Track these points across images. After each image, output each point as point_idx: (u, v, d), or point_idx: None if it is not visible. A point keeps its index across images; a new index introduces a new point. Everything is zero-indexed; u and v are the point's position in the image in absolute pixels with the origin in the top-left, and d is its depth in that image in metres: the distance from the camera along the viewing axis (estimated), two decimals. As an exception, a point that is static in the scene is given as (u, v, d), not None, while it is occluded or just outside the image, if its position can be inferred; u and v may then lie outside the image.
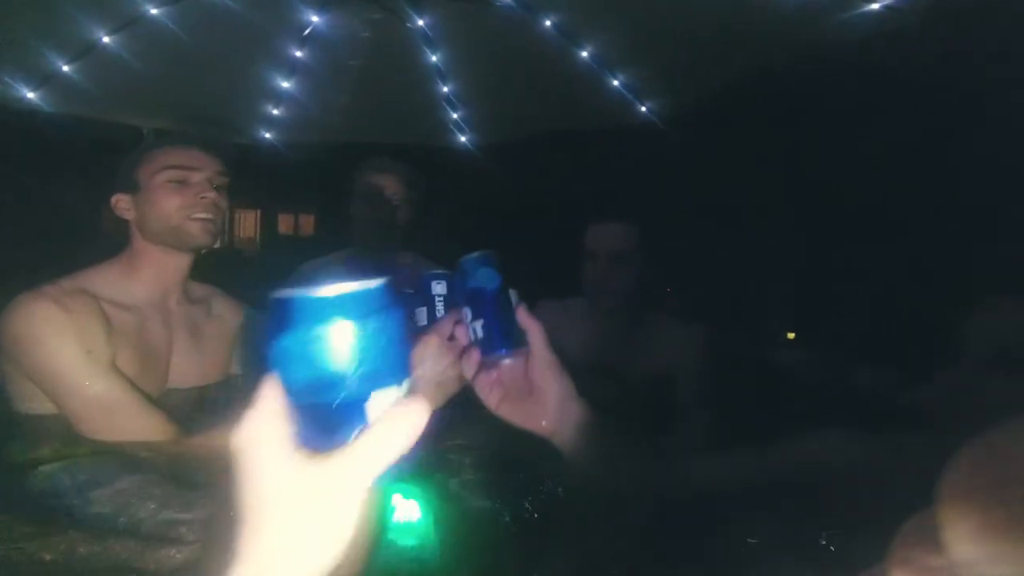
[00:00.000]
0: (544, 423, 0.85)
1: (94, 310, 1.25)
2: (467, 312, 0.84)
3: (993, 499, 0.36)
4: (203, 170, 1.38)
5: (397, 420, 0.44)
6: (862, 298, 2.72)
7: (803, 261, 3.15)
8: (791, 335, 2.83)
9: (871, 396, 1.81)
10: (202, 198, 1.36)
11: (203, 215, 1.36)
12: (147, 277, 1.39)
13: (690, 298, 2.75)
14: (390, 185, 1.99)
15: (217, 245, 1.47)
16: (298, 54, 2.71)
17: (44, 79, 2.63)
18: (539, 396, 0.85)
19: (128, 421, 1.19)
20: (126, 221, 1.39)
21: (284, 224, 6.80)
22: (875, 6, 1.84)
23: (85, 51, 2.47)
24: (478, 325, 0.83)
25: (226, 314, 1.56)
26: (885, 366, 1.91)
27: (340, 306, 0.43)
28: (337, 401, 0.43)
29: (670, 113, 2.91)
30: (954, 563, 0.38)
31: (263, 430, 0.43)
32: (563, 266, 1.88)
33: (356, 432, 0.43)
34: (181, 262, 1.42)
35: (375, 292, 0.45)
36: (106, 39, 2.39)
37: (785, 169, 3.07)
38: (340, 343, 0.43)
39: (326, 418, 0.43)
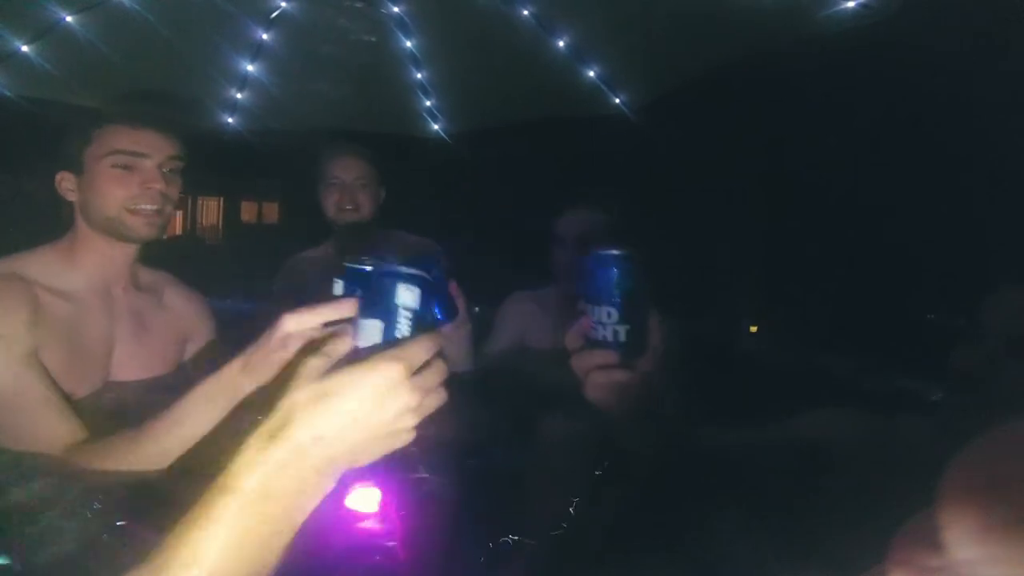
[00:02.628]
0: (631, 413, 0.87)
1: (21, 295, 1.15)
2: (606, 313, 0.82)
3: (993, 499, 0.36)
4: (153, 156, 1.26)
5: None
6: (829, 290, 2.78)
7: (771, 252, 3.20)
8: (753, 328, 2.88)
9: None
10: (147, 188, 1.25)
11: (146, 206, 1.25)
12: (89, 264, 1.29)
13: (656, 288, 2.76)
14: (352, 168, 1.98)
15: (179, 233, 1.39)
16: (264, 36, 2.62)
17: (1, 59, 2.50)
18: (639, 391, 0.86)
19: (38, 422, 1.09)
20: (69, 203, 1.29)
21: (247, 212, 6.62)
22: (850, 4, 1.87)
23: (45, 31, 2.36)
24: (621, 330, 0.82)
25: (178, 303, 1.47)
26: (853, 357, 1.96)
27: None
28: None
29: (642, 104, 2.93)
30: (954, 563, 0.37)
31: None
32: (535, 253, 1.96)
33: None
34: (125, 251, 1.32)
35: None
36: (68, 19, 2.29)
37: (755, 161, 3.11)
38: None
39: None
